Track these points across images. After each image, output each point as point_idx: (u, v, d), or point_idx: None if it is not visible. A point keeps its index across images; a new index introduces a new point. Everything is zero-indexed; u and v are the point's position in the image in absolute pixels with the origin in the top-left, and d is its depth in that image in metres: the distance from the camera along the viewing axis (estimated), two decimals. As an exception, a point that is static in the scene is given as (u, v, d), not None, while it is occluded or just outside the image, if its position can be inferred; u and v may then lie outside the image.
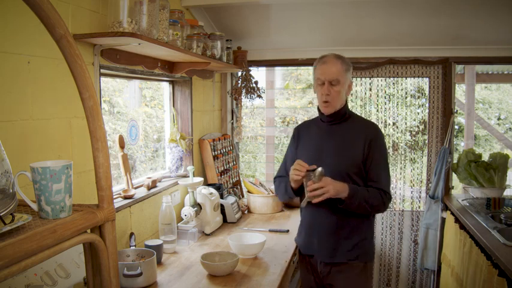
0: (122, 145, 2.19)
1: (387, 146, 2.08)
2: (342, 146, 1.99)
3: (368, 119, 2.08)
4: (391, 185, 3.49)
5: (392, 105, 3.49)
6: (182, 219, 2.40)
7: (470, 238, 2.52)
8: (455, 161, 3.31)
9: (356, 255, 1.97)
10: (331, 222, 1.97)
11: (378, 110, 3.50)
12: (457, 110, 3.49)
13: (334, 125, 2.03)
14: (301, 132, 2.16)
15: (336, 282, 1.99)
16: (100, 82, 1.85)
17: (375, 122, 2.05)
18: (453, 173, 3.34)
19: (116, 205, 1.98)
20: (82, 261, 1.53)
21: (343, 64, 1.97)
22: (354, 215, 1.95)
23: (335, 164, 1.96)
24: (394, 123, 3.51)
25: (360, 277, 2.00)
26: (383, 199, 1.93)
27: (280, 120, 4.82)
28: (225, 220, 2.75)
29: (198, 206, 2.47)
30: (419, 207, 3.50)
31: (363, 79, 3.49)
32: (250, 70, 3.41)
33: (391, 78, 3.47)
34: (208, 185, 2.82)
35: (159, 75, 2.43)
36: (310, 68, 2.03)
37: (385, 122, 3.50)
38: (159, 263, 2.04)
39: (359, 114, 2.12)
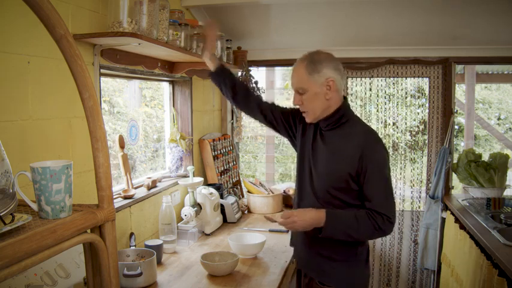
0: (122, 145, 2.19)
1: (388, 151, 1.73)
2: (331, 157, 1.71)
3: (368, 124, 1.75)
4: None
5: (392, 105, 3.49)
6: (182, 219, 2.40)
7: (470, 238, 2.52)
8: (455, 161, 3.31)
9: (329, 280, 1.73)
10: (308, 236, 1.76)
11: (377, 110, 3.50)
12: (457, 110, 3.49)
13: (330, 131, 1.75)
14: (301, 125, 1.87)
15: None
16: (100, 82, 1.85)
17: (374, 128, 1.75)
18: (453, 173, 3.34)
19: (116, 205, 1.98)
20: (82, 261, 1.53)
21: (307, 66, 1.67)
22: None
23: (320, 177, 1.74)
24: (394, 123, 3.51)
25: None
26: (376, 224, 1.61)
27: (280, 120, 4.84)
28: (225, 220, 2.75)
29: (198, 206, 2.47)
30: (419, 207, 3.50)
31: (363, 79, 3.49)
32: (250, 70, 3.41)
33: (391, 78, 3.47)
34: (208, 185, 2.81)
35: (159, 75, 2.43)
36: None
37: (385, 122, 3.50)
38: (159, 263, 2.04)
39: (359, 117, 1.82)
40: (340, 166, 1.67)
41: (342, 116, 1.72)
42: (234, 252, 2.08)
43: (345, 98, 1.77)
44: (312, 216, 1.66)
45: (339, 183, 1.69)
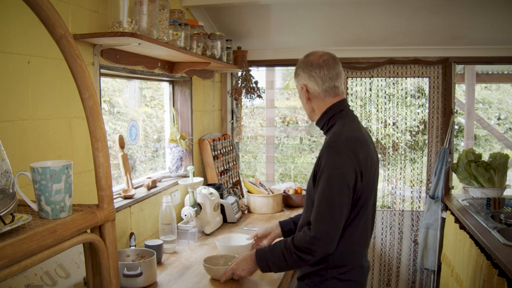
0: (122, 145, 2.19)
1: (344, 160, 1.53)
2: (315, 162, 1.66)
3: (341, 130, 1.61)
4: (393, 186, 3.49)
5: (392, 105, 3.49)
6: (182, 219, 2.40)
7: (470, 238, 2.52)
8: (455, 161, 3.31)
9: (303, 285, 1.69)
10: None
11: (378, 110, 3.50)
12: (457, 110, 3.50)
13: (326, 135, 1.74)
14: None
15: None
16: (100, 82, 1.85)
17: (340, 135, 1.59)
18: (453, 173, 3.34)
19: (116, 205, 1.98)
20: (82, 261, 1.53)
21: (296, 68, 1.74)
22: None
23: (306, 190, 1.72)
24: (394, 123, 3.51)
25: None
26: (300, 245, 1.52)
27: (280, 120, 4.82)
28: (225, 220, 2.74)
29: (198, 206, 2.47)
30: (419, 207, 3.50)
31: (363, 79, 3.49)
32: (250, 70, 3.41)
33: (391, 78, 3.47)
34: (208, 185, 2.81)
35: (159, 75, 2.43)
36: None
37: (385, 122, 3.50)
38: (159, 263, 2.04)
39: (349, 121, 1.67)
40: (313, 169, 1.64)
41: (329, 120, 1.67)
42: (223, 253, 2.08)
43: (340, 102, 1.69)
44: (246, 265, 1.72)
45: (310, 186, 1.64)
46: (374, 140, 3.52)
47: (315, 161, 1.68)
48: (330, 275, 1.60)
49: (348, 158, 1.52)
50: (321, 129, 1.74)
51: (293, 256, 1.55)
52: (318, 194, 1.53)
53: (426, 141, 3.45)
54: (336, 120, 1.66)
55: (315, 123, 1.75)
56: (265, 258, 1.65)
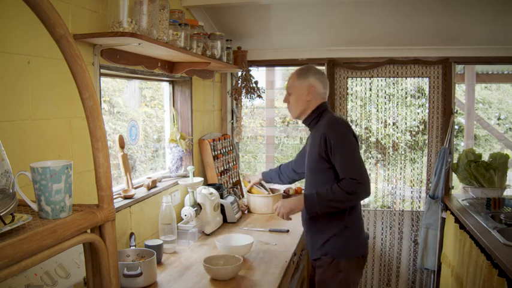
0: (122, 145, 2.19)
1: (349, 130, 2.08)
2: (310, 147, 2.15)
3: (333, 118, 2.13)
4: (393, 184, 3.49)
5: (392, 105, 3.49)
6: (182, 219, 2.40)
7: (470, 238, 2.52)
8: (455, 161, 3.31)
9: (325, 252, 2.09)
10: (306, 220, 2.19)
11: (378, 110, 3.50)
12: (457, 110, 3.50)
13: (311, 129, 2.21)
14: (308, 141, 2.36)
15: (316, 278, 2.16)
16: (100, 82, 1.85)
17: (336, 120, 2.11)
18: (453, 173, 3.34)
19: (116, 205, 1.98)
20: (82, 261, 1.53)
21: (297, 75, 2.20)
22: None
23: (307, 166, 2.19)
24: (394, 123, 3.51)
25: (326, 272, 2.09)
26: (347, 189, 1.94)
27: (280, 120, 4.82)
28: (225, 220, 2.75)
29: (198, 206, 2.47)
30: (419, 207, 3.50)
31: (363, 79, 3.49)
32: (250, 70, 3.41)
33: (391, 78, 3.47)
34: (208, 185, 2.81)
35: (159, 75, 2.43)
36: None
37: (385, 122, 3.50)
38: (159, 263, 2.04)
39: (331, 113, 2.20)
40: (313, 151, 2.09)
41: (319, 114, 2.16)
42: (223, 253, 2.08)
43: (325, 103, 2.19)
44: (292, 202, 2.11)
45: (314, 165, 2.10)
46: (374, 140, 3.54)
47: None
48: (347, 233, 2.07)
49: (350, 133, 2.06)
50: (311, 121, 2.18)
51: (341, 197, 1.96)
52: (344, 160, 1.99)
53: (426, 141, 3.45)
54: (325, 114, 2.18)
55: (302, 116, 2.20)
56: (313, 201, 2.02)
